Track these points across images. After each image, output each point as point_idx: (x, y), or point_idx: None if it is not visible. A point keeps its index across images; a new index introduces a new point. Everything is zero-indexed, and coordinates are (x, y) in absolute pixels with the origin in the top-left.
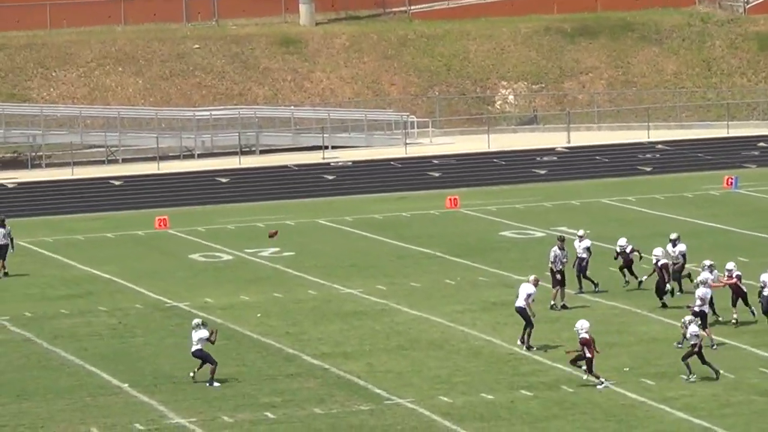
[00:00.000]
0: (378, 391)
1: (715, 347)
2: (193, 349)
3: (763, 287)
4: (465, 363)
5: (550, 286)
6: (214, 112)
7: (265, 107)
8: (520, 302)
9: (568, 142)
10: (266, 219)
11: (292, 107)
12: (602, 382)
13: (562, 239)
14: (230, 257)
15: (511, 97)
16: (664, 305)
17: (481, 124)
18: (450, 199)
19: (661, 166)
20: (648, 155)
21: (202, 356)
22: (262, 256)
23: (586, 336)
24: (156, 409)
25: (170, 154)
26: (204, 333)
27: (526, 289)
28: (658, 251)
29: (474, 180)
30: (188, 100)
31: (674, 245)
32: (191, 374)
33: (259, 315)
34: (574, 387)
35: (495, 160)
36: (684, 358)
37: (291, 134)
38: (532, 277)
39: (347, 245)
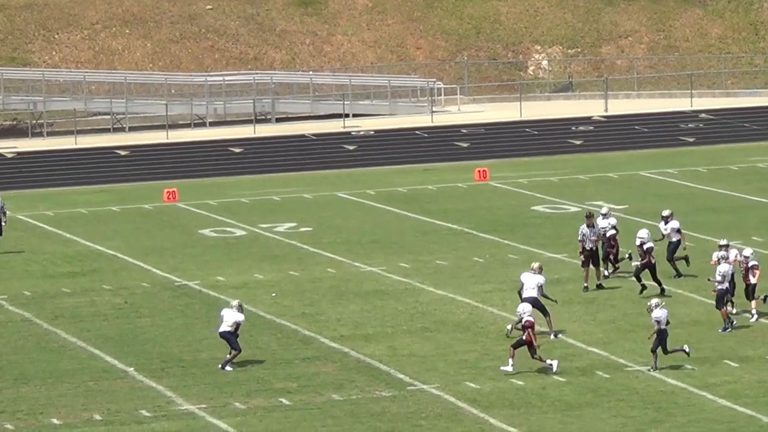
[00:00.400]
0: (400, 376)
1: (729, 328)
2: (222, 329)
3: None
4: (494, 346)
5: (581, 266)
6: (227, 78)
7: (281, 72)
8: (531, 293)
9: (606, 110)
10: (282, 192)
11: (311, 72)
12: (550, 365)
13: (589, 215)
14: (243, 233)
15: (544, 63)
16: (643, 287)
17: (512, 91)
18: (479, 171)
19: (705, 137)
20: (691, 125)
21: (229, 339)
22: (277, 231)
23: (531, 319)
24: (163, 394)
25: (180, 123)
26: (240, 317)
27: (535, 279)
28: (643, 233)
29: (504, 151)
30: (200, 65)
31: (666, 222)
32: (228, 368)
33: (273, 294)
34: (610, 372)
35: (527, 129)
36: (653, 350)
37: (309, 101)
38: (536, 265)
39: (369, 220)
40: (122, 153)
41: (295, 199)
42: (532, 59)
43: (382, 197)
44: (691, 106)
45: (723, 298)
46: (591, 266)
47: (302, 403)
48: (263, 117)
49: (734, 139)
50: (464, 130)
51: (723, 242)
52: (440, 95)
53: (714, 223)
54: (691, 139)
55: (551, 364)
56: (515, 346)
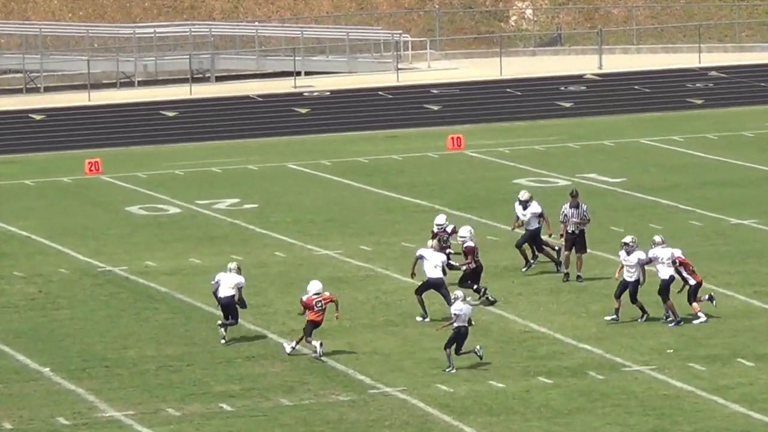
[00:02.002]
0: (361, 377)
1: (670, 322)
2: (224, 293)
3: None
4: (470, 343)
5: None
6: (158, 30)
7: (222, 23)
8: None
9: (600, 67)
10: (223, 162)
11: (256, 23)
12: (316, 350)
13: (575, 193)
14: (178, 210)
15: (529, 12)
16: (487, 300)
17: (491, 45)
18: (452, 139)
19: (715, 98)
20: (699, 84)
21: (229, 306)
22: (217, 208)
23: (328, 295)
24: (84, 399)
25: (104, 82)
26: (241, 280)
27: (439, 257)
28: (464, 231)
29: (482, 115)
30: (127, 14)
31: (525, 207)
32: (222, 340)
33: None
34: (604, 373)
35: (509, 90)
36: (446, 347)
37: (255, 57)
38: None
39: (324, 195)
40: (37, 117)
41: (238, 171)
42: (514, 8)
43: (340, 169)
44: (699, 62)
45: (668, 290)
46: (574, 252)
47: (246, 408)
48: (201, 75)
49: (749, 101)
50: (435, 91)
51: (628, 239)
52: (407, 50)
53: (725, 198)
54: (699, 101)
55: (317, 349)
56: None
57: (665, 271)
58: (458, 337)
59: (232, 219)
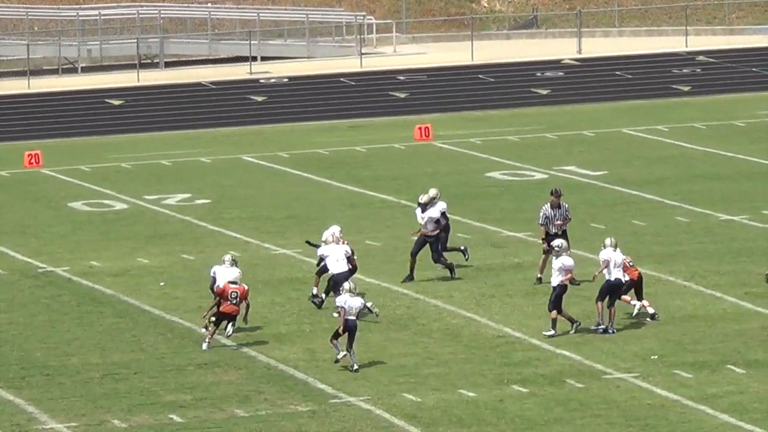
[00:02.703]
0: (321, 386)
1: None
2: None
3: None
4: (438, 348)
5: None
6: (103, 12)
7: (172, 5)
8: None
9: (579, 52)
10: (173, 154)
11: (209, 5)
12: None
13: (557, 193)
14: (124, 206)
15: None
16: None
17: (462, 27)
18: (420, 129)
19: (703, 85)
20: (685, 70)
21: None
22: (167, 204)
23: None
24: (23, 409)
25: (45, 68)
26: (238, 273)
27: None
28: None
29: (452, 103)
30: None
31: (424, 210)
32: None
33: (162, 284)
34: (584, 381)
35: (481, 76)
36: (332, 338)
37: (207, 41)
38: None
39: (281, 190)
40: None
41: (189, 163)
42: None
43: (299, 161)
44: (686, 46)
45: (618, 294)
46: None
47: (198, 420)
48: (149, 61)
49: (739, 88)
50: (401, 77)
51: (557, 243)
52: (371, 33)
53: (714, 192)
54: (686, 88)
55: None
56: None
57: (615, 274)
58: (346, 331)
59: (183, 215)
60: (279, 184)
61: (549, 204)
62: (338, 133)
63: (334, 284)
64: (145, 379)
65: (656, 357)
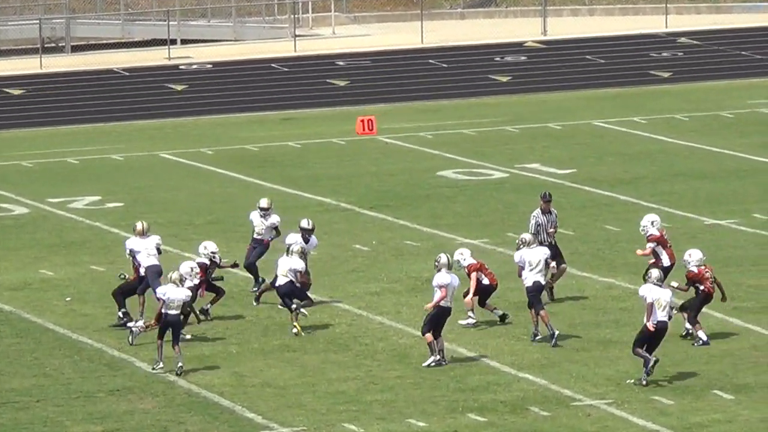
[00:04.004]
0: (250, 415)
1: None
2: (280, 282)
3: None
4: (383, 372)
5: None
6: None
7: None
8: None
9: (544, 33)
10: (81, 151)
11: None
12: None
13: (547, 198)
14: (25, 210)
15: None
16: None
17: (410, 6)
18: (363, 121)
19: (686, 71)
20: (665, 54)
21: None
22: (73, 208)
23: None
24: None
25: None
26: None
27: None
28: (209, 249)
29: (400, 92)
30: None
31: (266, 218)
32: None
33: (68, 299)
34: (549, 408)
35: (432, 61)
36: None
37: (119, 22)
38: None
39: (204, 192)
40: None
41: (99, 161)
42: None
43: (224, 159)
44: (666, 26)
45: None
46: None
47: None
48: (53, 45)
49: (727, 74)
50: (341, 63)
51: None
52: (306, 12)
53: (699, 193)
54: (666, 74)
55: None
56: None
57: (533, 277)
58: (167, 326)
59: (92, 221)
60: (201, 185)
61: (540, 209)
62: (269, 126)
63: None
64: (50, 407)
65: (632, 381)
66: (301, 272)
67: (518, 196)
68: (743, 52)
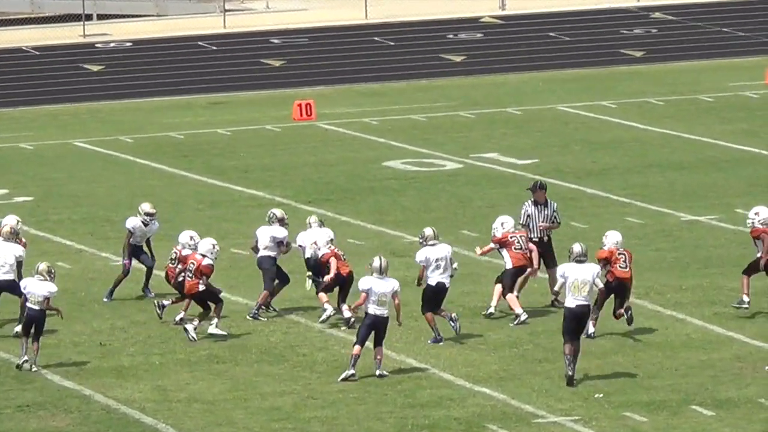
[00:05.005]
0: None
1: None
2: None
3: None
4: (324, 386)
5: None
6: None
7: None
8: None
9: (502, 7)
10: None
11: None
12: None
13: (539, 187)
14: None
15: None
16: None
17: None
18: (300, 106)
19: (661, 50)
20: (637, 30)
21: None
22: None
23: None
24: None
25: None
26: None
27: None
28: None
29: (341, 73)
30: None
31: (153, 218)
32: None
33: None
34: (508, 426)
35: (377, 39)
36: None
37: None
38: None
39: (123, 184)
40: None
41: (6, 150)
42: None
43: (145, 147)
44: (638, 0)
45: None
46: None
47: None
48: None
49: (707, 54)
50: (276, 40)
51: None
52: None
53: (675, 186)
54: (639, 54)
55: None
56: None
57: (437, 278)
58: (30, 323)
59: None
60: (120, 177)
61: (531, 200)
62: (196, 111)
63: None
64: None
65: (601, 396)
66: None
67: (473, 189)
68: (724, 29)
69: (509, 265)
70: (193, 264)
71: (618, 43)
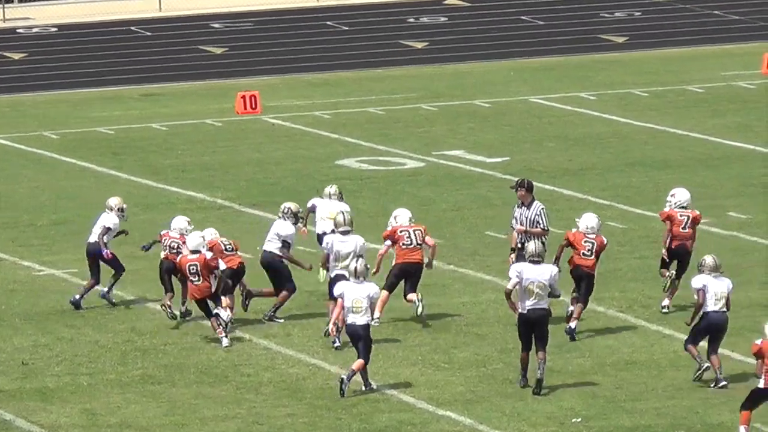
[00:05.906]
0: None
1: None
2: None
3: None
4: (270, 409)
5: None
6: None
7: None
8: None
9: None
10: None
11: None
12: None
13: (520, 185)
14: None
15: None
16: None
17: None
18: (244, 98)
19: (644, 35)
20: (619, 14)
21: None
22: None
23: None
24: None
25: None
26: (287, 229)
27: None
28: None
29: (289, 62)
30: None
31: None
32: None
33: None
34: None
35: (329, 23)
36: None
37: None
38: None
39: (49, 185)
40: None
41: None
42: None
43: (72, 144)
44: None
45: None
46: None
47: None
48: None
49: (695, 39)
50: (217, 25)
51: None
52: None
53: (660, 186)
54: (620, 40)
55: None
56: None
57: (337, 270)
58: None
59: None
60: (44, 177)
61: (518, 202)
62: (128, 104)
63: None
64: None
65: (579, 420)
66: None
67: (436, 190)
68: (716, 11)
69: (393, 263)
70: (195, 266)
71: (597, 27)
